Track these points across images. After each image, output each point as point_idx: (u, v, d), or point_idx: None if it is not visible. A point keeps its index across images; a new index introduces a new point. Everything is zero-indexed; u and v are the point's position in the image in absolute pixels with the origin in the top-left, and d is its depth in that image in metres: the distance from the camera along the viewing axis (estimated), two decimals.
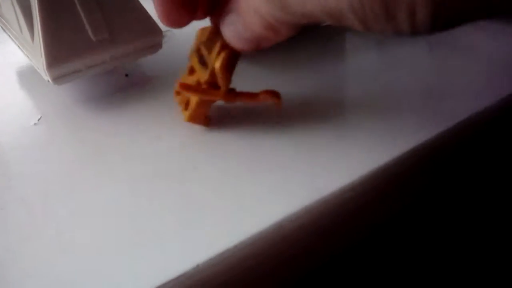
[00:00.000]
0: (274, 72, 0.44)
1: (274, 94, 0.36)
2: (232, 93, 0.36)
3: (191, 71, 0.37)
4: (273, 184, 0.32)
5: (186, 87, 0.36)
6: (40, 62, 0.40)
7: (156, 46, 0.43)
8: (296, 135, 0.36)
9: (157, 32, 0.42)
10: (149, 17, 0.42)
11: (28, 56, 0.44)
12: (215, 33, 0.35)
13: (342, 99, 0.41)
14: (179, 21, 0.33)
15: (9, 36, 0.48)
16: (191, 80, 0.37)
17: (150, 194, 0.32)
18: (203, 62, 0.35)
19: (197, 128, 0.37)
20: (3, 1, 0.46)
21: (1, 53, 0.52)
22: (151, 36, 0.42)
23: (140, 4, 0.42)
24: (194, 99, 0.36)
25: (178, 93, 0.38)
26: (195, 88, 0.35)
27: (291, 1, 0.26)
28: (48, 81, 0.40)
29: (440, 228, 0.43)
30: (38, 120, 0.40)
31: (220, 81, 0.35)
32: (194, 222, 0.30)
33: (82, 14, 0.40)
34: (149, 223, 0.30)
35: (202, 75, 0.35)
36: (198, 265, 0.27)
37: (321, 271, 0.35)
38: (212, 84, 0.35)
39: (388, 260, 0.41)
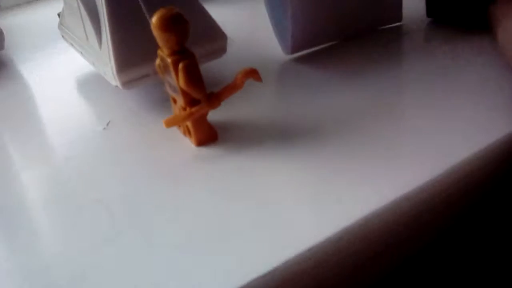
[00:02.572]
0: (335, 73, 0.44)
1: (251, 72, 0.35)
2: (213, 97, 0.35)
3: (174, 100, 0.37)
4: (355, 181, 0.32)
5: (171, 121, 0.35)
6: (108, 68, 0.40)
7: (221, 50, 0.43)
8: (366, 135, 0.36)
9: (222, 36, 0.43)
10: (214, 22, 0.43)
11: (93, 64, 0.45)
12: (161, 57, 0.35)
13: (402, 101, 0.41)
14: None
15: (72, 45, 0.49)
16: (177, 108, 0.37)
17: (230, 194, 0.32)
18: (173, 89, 0.36)
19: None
20: (67, 10, 0.47)
21: (62, 63, 0.53)
22: (216, 41, 0.42)
23: (205, 10, 0.42)
24: (188, 124, 0.36)
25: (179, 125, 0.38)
26: (179, 117, 0.35)
27: None
28: (117, 86, 0.41)
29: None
30: (107, 125, 0.41)
31: (194, 94, 0.34)
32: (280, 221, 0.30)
33: (149, 20, 0.40)
34: (235, 221, 0.30)
35: (179, 100, 0.36)
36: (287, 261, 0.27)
37: (399, 270, 0.35)
38: (192, 101, 0.35)
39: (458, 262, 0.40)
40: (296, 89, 0.43)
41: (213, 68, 0.44)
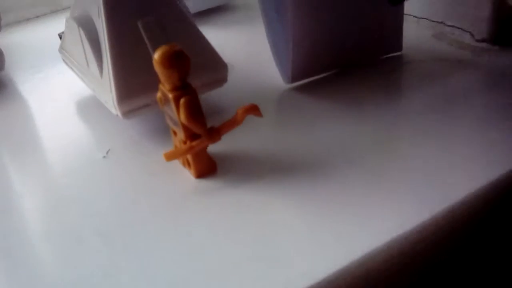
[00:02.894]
0: (335, 104, 0.44)
1: (252, 109, 0.36)
2: (214, 132, 0.35)
3: (174, 133, 0.38)
4: (353, 219, 0.32)
5: (171, 155, 0.36)
6: (108, 97, 0.41)
7: (221, 80, 0.43)
8: (365, 170, 0.36)
9: (223, 66, 0.43)
10: (215, 53, 0.43)
11: (94, 90, 0.45)
12: (163, 91, 0.35)
13: (402, 135, 0.41)
14: None
15: (72, 69, 0.49)
16: (177, 140, 0.37)
17: (228, 228, 0.32)
18: (174, 122, 0.36)
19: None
20: (69, 35, 0.47)
21: (62, 84, 0.53)
22: (217, 71, 0.43)
23: (208, 42, 0.43)
24: (188, 156, 0.36)
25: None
26: (180, 151, 0.36)
27: None
28: (117, 115, 0.41)
29: None
30: (107, 153, 0.41)
31: (195, 129, 0.35)
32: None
33: (151, 51, 0.40)
34: (233, 256, 0.30)
35: (180, 134, 0.36)
36: None
37: None
38: (193, 135, 0.35)
39: None
40: (295, 120, 0.43)
41: (213, 96, 0.44)
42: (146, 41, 0.41)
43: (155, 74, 0.35)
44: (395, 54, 0.51)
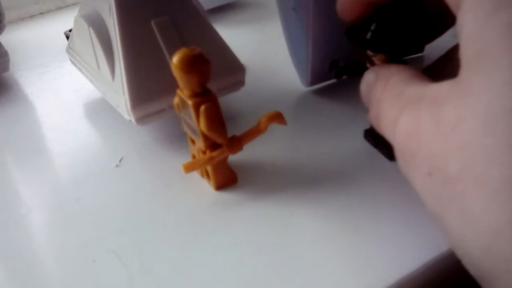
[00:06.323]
0: (358, 108, 0.42)
1: (276, 116, 0.34)
2: (235, 141, 0.33)
3: (192, 141, 0.36)
4: (386, 238, 0.30)
5: (191, 166, 0.33)
6: (121, 101, 0.39)
7: (239, 83, 0.41)
8: (398, 179, 0.34)
9: (241, 69, 0.41)
10: (232, 55, 0.41)
11: (104, 93, 0.43)
12: (181, 97, 0.33)
13: None
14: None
15: (81, 70, 0.47)
16: (195, 149, 0.35)
17: (253, 241, 0.31)
18: (193, 130, 0.34)
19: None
20: (78, 35, 0.45)
21: (70, 86, 0.51)
22: (234, 74, 0.41)
23: (224, 42, 0.41)
24: (208, 167, 0.34)
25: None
26: (199, 161, 0.34)
27: None
28: (130, 120, 0.39)
29: None
30: (120, 161, 0.39)
31: (216, 139, 0.33)
32: None
33: (166, 53, 0.38)
34: (248, 273, 0.29)
35: (198, 143, 0.34)
36: None
37: None
38: (213, 144, 0.33)
39: None
40: (317, 125, 0.41)
41: (228, 100, 0.42)
42: (161, 42, 0.39)
43: (171, 77, 0.33)
44: (417, 55, 0.49)
